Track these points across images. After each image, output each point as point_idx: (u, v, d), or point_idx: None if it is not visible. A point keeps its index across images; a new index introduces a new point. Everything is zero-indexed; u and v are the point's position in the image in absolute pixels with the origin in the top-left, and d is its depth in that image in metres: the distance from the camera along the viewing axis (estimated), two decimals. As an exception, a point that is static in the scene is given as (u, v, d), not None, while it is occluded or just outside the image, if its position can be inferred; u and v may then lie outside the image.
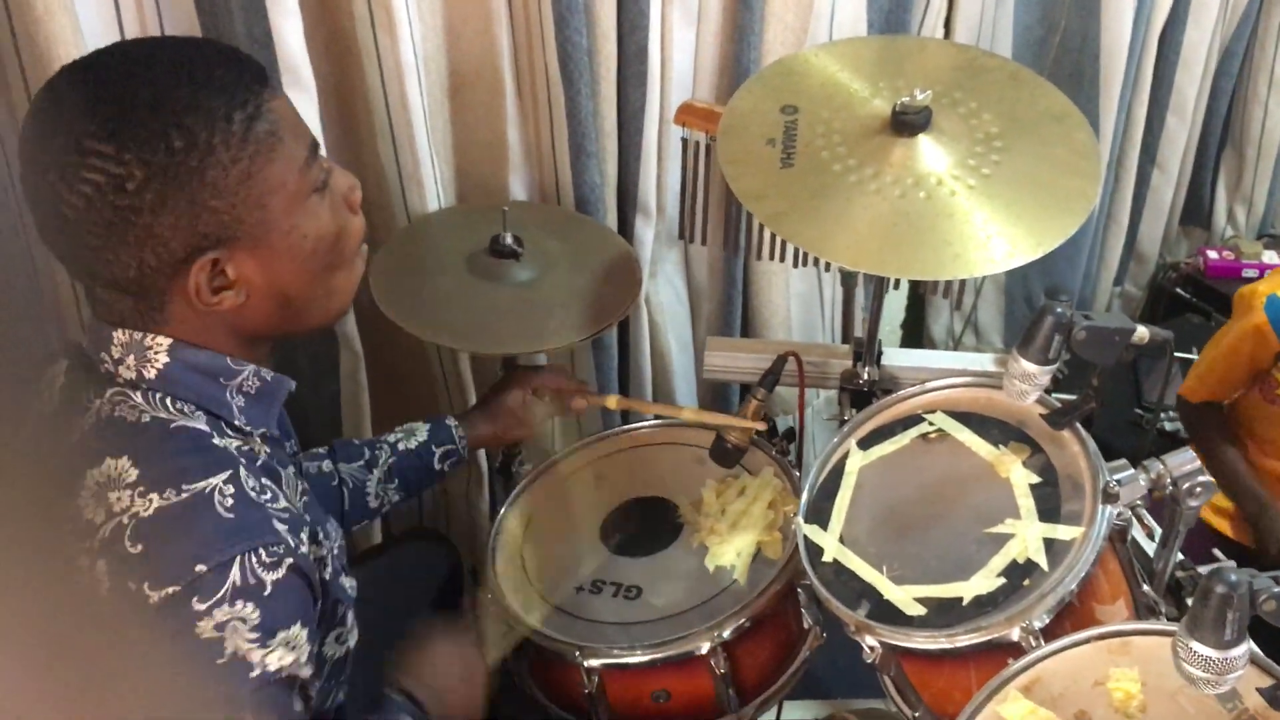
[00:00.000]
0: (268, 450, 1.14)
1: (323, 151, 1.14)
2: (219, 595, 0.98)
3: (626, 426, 1.82)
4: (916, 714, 1.36)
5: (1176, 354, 2.11)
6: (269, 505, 1.06)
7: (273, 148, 1.04)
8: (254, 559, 1.00)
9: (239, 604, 0.99)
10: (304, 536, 1.09)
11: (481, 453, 2.13)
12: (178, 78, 1.00)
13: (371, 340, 2.03)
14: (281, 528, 1.04)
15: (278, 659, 1.01)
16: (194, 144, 0.99)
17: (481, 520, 2.25)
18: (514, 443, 1.74)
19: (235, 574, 0.99)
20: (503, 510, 1.69)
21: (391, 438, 1.60)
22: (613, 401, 1.70)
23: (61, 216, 1.00)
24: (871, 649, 1.34)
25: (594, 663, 1.45)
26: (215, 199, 1.01)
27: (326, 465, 1.53)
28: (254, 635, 1.00)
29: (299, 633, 1.04)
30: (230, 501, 1.02)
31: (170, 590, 0.98)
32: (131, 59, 1.02)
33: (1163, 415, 2.48)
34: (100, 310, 1.08)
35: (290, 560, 1.03)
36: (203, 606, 0.98)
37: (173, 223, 1.00)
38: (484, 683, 1.36)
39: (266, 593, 1.00)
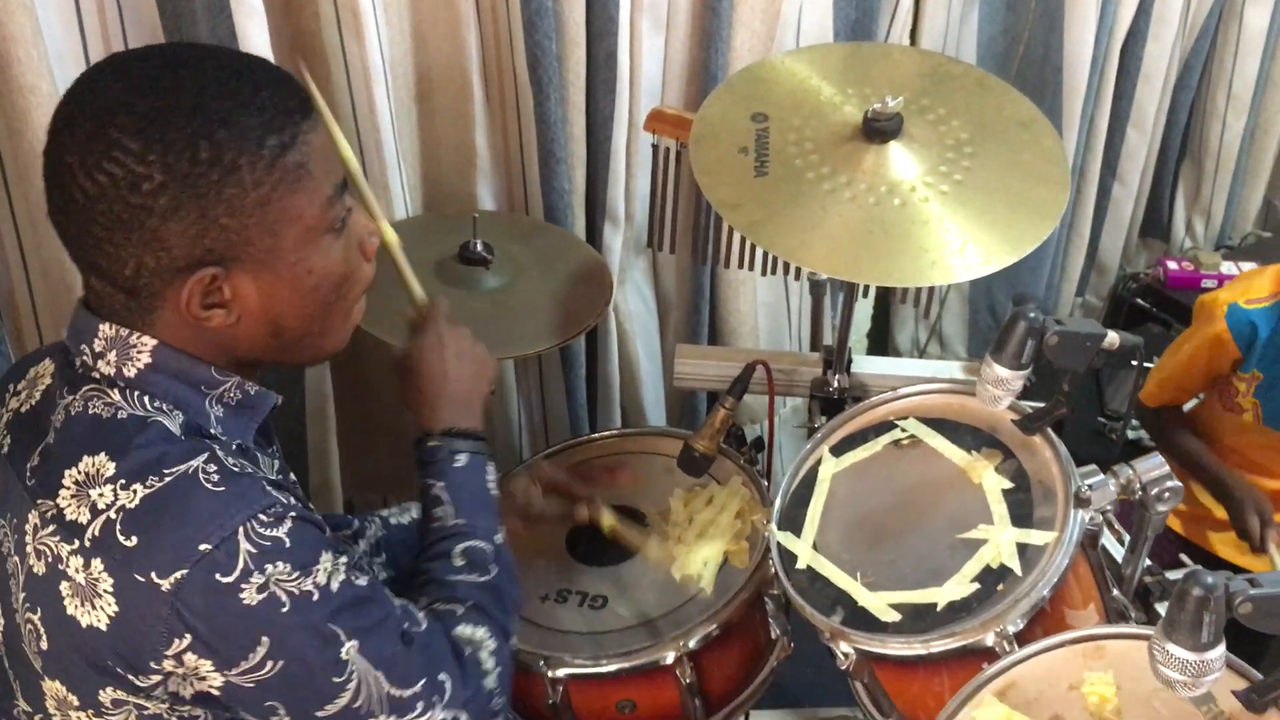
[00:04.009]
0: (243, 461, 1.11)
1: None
2: (241, 566, 0.98)
3: (593, 435, 1.80)
4: (889, 721, 1.36)
5: (1141, 362, 2.13)
6: (255, 473, 1.05)
7: (298, 179, 1.02)
8: (255, 524, 1.00)
9: (266, 566, 0.99)
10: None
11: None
12: (222, 90, 0.99)
13: (337, 348, 2.00)
14: (272, 489, 1.04)
15: (327, 578, 1.03)
16: (219, 159, 0.98)
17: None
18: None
19: (245, 544, 0.98)
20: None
21: (384, 512, 1.56)
22: (607, 520, 1.56)
23: (71, 200, 0.98)
24: (845, 656, 1.33)
25: (559, 673, 1.43)
26: (228, 217, 1.00)
27: None
28: (295, 575, 1.00)
29: (330, 558, 1.04)
30: (216, 477, 1.01)
31: (180, 574, 0.97)
32: (182, 60, 1.01)
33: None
34: (92, 300, 1.07)
35: (292, 513, 1.03)
36: (230, 579, 0.97)
37: (180, 231, 0.98)
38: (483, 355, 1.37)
39: (286, 545, 1.00)
